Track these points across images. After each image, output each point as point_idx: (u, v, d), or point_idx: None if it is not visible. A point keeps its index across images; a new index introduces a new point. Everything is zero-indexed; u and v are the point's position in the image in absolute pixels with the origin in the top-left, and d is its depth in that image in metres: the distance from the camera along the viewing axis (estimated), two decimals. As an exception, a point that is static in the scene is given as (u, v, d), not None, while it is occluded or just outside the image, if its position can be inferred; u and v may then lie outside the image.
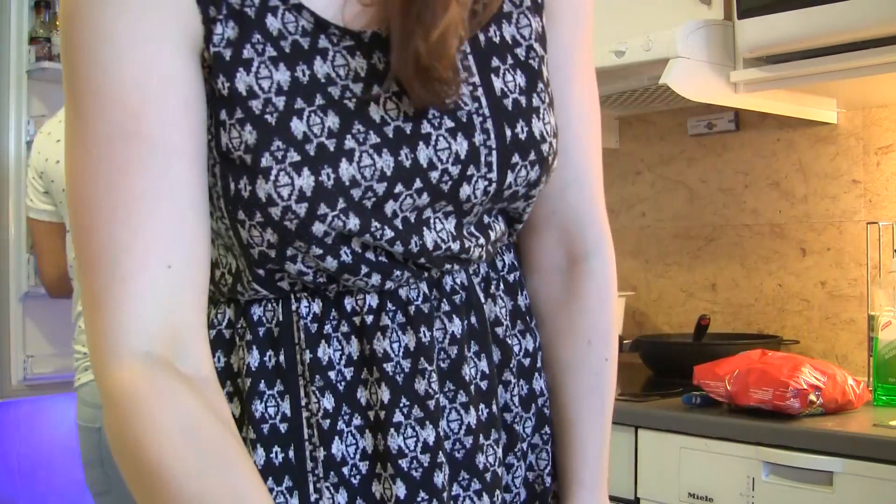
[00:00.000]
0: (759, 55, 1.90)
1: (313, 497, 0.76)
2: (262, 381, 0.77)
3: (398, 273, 0.77)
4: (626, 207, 2.67)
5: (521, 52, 0.79)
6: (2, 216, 2.76)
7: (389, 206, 0.73)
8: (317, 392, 0.76)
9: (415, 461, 0.76)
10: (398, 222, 0.74)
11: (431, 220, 0.76)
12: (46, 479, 2.98)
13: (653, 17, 2.10)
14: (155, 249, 0.67)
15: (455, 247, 0.78)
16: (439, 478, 0.77)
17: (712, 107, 2.30)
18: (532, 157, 0.78)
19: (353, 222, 0.72)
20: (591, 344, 0.94)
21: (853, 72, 1.79)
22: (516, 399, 0.85)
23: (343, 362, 0.77)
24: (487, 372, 0.82)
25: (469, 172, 0.75)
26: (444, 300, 0.80)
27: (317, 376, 0.76)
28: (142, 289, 0.67)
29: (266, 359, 0.78)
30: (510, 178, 0.77)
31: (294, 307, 0.77)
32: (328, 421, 0.76)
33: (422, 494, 0.76)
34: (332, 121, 0.71)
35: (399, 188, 0.73)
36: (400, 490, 0.76)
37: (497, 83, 0.77)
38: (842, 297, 2.19)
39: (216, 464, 0.66)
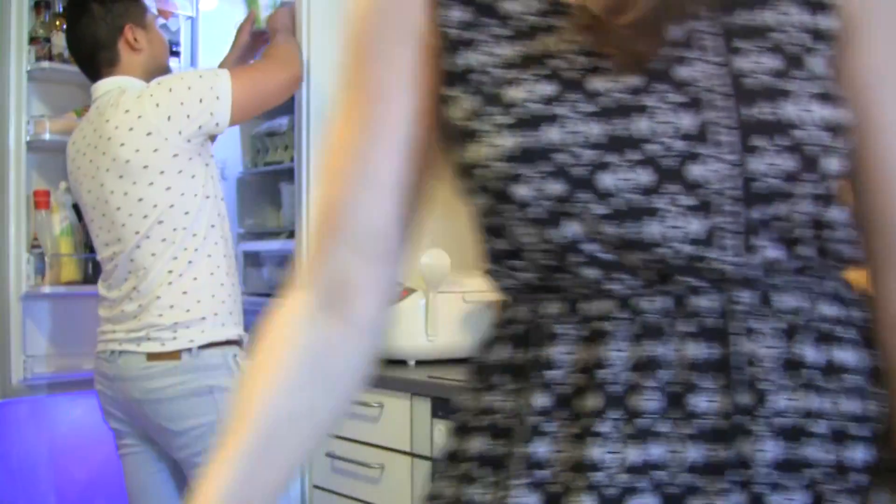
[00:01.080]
0: (760, 55, 1.89)
1: (508, 493, 0.76)
2: (504, 374, 0.84)
3: (624, 276, 0.74)
4: (626, 207, 2.67)
5: (779, 37, 0.74)
6: (2, 216, 2.76)
7: (605, 179, 0.72)
8: (537, 391, 0.77)
9: (612, 479, 0.72)
10: (617, 201, 0.72)
11: (662, 210, 0.72)
12: (46, 479, 2.98)
13: (653, 17, 2.10)
14: (352, 214, 0.87)
15: (691, 250, 0.71)
16: (634, 503, 0.72)
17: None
18: (780, 141, 0.71)
19: (556, 187, 0.72)
20: None
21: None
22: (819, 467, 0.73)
23: (567, 366, 0.77)
24: (730, 412, 0.72)
25: (697, 150, 0.71)
26: (685, 319, 0.74)
27: (543, 374, 0.78)
28: (336, 242, 0.87)
29: (510, 355, 0.84)
30: (754, 163, 0.71)
31: (536, 308, 0.81)
32: (539, 419, 0.77)
33: None
34: (548, 89, 0.74)
35: (610, 158, 0.72)
36: None
37: (742, 63, 0.73)
38: (842, 297, 2.19)
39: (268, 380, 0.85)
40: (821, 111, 0.73)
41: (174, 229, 2.22)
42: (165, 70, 2.43)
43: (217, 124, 2.27)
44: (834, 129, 0.73)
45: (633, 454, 0.72)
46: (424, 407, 2.25)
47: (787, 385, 0.73)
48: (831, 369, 0.75)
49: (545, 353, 0.78)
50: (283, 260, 2.99)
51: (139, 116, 2.20)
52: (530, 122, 0.73)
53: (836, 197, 0.75)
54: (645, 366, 0.74)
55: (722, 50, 0.74)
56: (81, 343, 2.80)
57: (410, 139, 0.85)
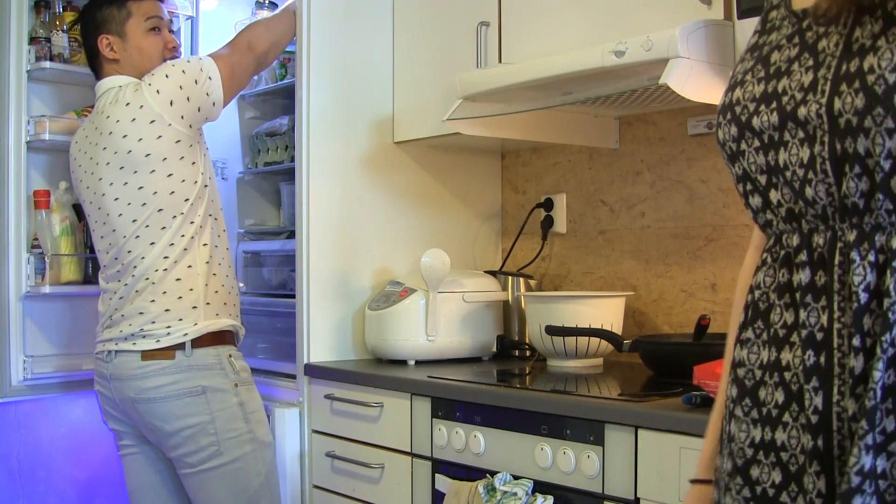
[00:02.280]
0: (760, 55, 1.90)
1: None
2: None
3: (774, 206, 1.05)
4: (626, 207, 2.67)
5: (891, 5, 0.95)
6: (2, 216, 2.76)
7: (756, 122, 1.04)
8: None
9: (749, 373, 1.06)
10: (764, 137, 1.03)
11: (789, 144, 1.00)
12: (46, 479, 2.98)
13: (653, 17, 2.10)
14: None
15: (802, 174, 0.99)
16: (763, 394, 1.04)
17: (712, 107, 2.29)
18: (856, 85, 0.93)
19: (734, 131, 1.07)
20: None
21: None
22: (878, 386, 0.93)
23: (763, 287, 1.07)
24: (826, 326, 0.97)
25: (807, 98, 0.98)
26: (806, 252, 1.01)
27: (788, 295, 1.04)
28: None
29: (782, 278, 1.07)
30: (838, 103, 0.95)
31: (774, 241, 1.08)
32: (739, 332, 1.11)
33: (746, 401, 1.07)
34: (749, 63, 1.10)
35: (761, 108, 1.04)
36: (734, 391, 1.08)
37: (856, 31, 0.97)
38: (842, 297, 2.19)
39: None
40: None
41: (173, 216, 2.27)
42: None
43: (213, 104, 2.34)
44: None
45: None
46: (424, 407, 2.25)
47: (875, 311, 0.94)
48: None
49: (774, 278, 1.06)
50: (283, 260, 2.99)
51: (141, 106, 2.26)
52: (733, 86, 1.10)
53: None
54: (782, 287, 1.03)
55: (851, 25, 0.98)
56: (81, 343, 2.80)
57: None
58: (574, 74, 2.11)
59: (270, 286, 3.06)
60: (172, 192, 2.27)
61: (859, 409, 0.92)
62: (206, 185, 2.34)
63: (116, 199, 2.28)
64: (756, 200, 1.07)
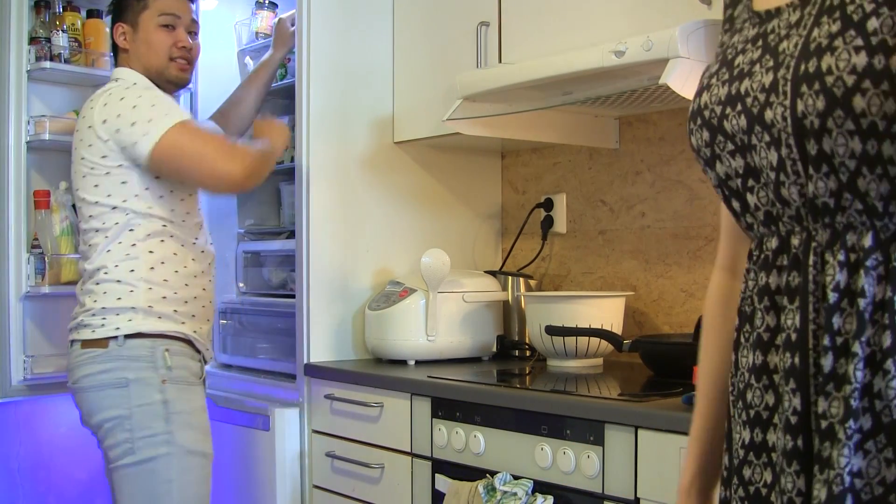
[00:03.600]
0: (760, 55, 1.90)
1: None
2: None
3: (752, 210, 1.05)
4: (626, 207, 2.67)
5: (850, 8, 0.95)
6: (2, 216, 2.76)
7: (727, 125, 1.04)
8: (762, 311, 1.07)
9: (742, 376, 1.07)
10: (737, 140, 1.03)
11: (758, 147, 1.01)
12: (46, 479, 2.98)
13: (653, 17, 2.10)
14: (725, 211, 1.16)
15: (774, 176, 0.99)
16: (750, 396, 1.06)
17: (712, 107, 2.30)
18: (816, 87, 0.94)
19: (706, 135, 1.07)
20: None
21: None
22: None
23: (748, 291, 1.08)
24: (800, 327, 0.98)
25: (770, 99, 0.99)
26: (785, 255, 1.02)
27: (764, 298, 1.05)
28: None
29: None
30: (800, 105, 0.95)
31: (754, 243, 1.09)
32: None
33: (739, 404, 1.08)
34: (714, 67, 1.10)
35: (727, 111, 1.04)
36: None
37: (815, 32, 0.97)
38: (842, 297, 2.19)
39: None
40: (860, 60, 0.92)
41: (116, 223, 2.25)
42: (162, 73, 2.38)
43: (136, 158, 2.23)
44: (863, 73, 0.92)
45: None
46: (424, 407, 2.25)
47: (845, 310, 0.95)
48: (883, 304, 0.94)
49: (757, 281, 1.07)
50: (284, 260, 2.99)
51: (91, 108, 2.28)
52: (700, 91, 1.10)
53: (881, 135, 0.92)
54: (762, 291, 1.04)
55: (811, 24, 0.98)
56: (81, 343, 2.80)
57: None
58: (574, 74, 2.11)
59: (270, 286, 3.06)
60: (97, 203, 2.26)
61: (844, 410, 0.93)
62: (150, 208, 2.26)
63: (77, 189, 2.32)
64: (736, 204, 1.07)
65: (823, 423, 0.94)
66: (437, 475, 2.19)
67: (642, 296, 2.61)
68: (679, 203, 2.53)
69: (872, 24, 0.92)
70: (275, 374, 2.85)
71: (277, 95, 3.14)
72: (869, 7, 0.93)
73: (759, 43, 1.04)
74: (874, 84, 0.90)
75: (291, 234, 2.89)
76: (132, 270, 2.25)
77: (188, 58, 2.43)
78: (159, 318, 2.26)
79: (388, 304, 2.60)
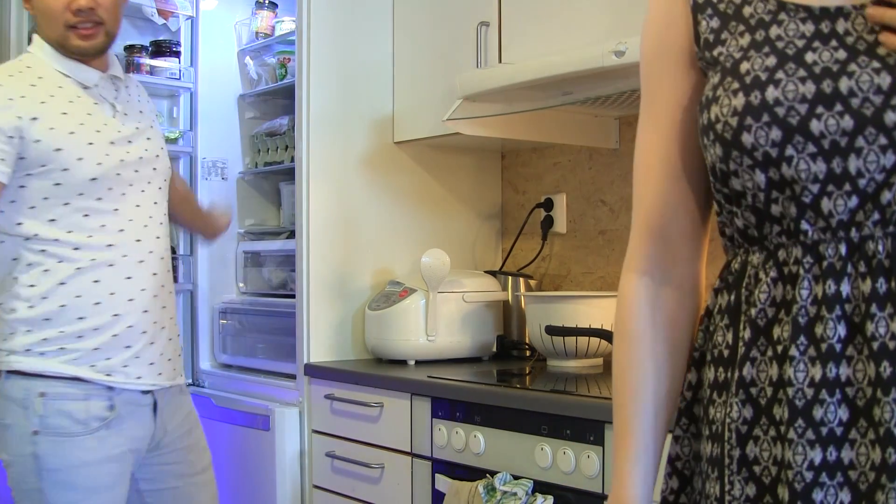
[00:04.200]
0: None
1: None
2: (725, 316, 1.06)
3: (812, 216, 0.97)
4: (626, 207, 2.67)
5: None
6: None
7: (814, 125, 0.95)
8: (746, 325, 1.01)
9: (799, 392, 0.96)
10: (825, 143, 0.95)
11: (864, 150, 0.94)
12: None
13: (653, 17, 2.10)
14: (644, 208, 1.13)
15: (882, 179, 0.93)
16: (821, 412, 0.95)
17: (712, 107, 2.30)
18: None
19: (776, 134, 0.96)
20: None
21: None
22: None
23: (768, 303, 1.00)
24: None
25: (893, 102, 0.92)
26: (862, 262, 0.95)
27: (750, 313, 1.01)
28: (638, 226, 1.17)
29: (726, 300, 1.06)
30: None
31: (746, 257, 1.04)
32: (746, 350, 1.01)
33: (799, 422, 0.96)
34: (771, 61, 0.98)
35: (820, 109, 0.94)
36: (784, 412, 0.97)
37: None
38: (842, 297, 2.19)
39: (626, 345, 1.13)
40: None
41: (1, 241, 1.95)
42: (64, 45, 1.93)
43: None
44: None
45: (816, 371, 0.96)
46: (424, 407, 2.25)
47: None
48: None
49: (753, 295, 1.01)
50: (284, 260, 2.99)
51: None
52: (755, 86, 0.98)
53: None
54: (824, 300, 0.96)
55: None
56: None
57: (690, 135, 1.09)
58: (574, 74, 2.11)
59: (270, 286, 3.06)
60: None
61: None
62: (26, 240, 1.91)
63: None
64: (793, 210, 0.98)
65: None
66: (437, 475, 2.20)
67: (642, 296, 2.61)
68: (679, 203, 2.53)
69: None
70: (275, 374, 2.85)
71: (278, 95, 3.15)
72: None
73: (834, 43, 0.97)
74: None
75: (291, 234, 2.90)
76: (11, 286, 1.92)
77: (93, 19, 1.93)
78: (42, 354, 1.90)
79: (388, 304, 2.60)
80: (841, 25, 0.98)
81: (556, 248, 2.88)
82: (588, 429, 1.87)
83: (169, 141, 3.08)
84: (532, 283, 2.83)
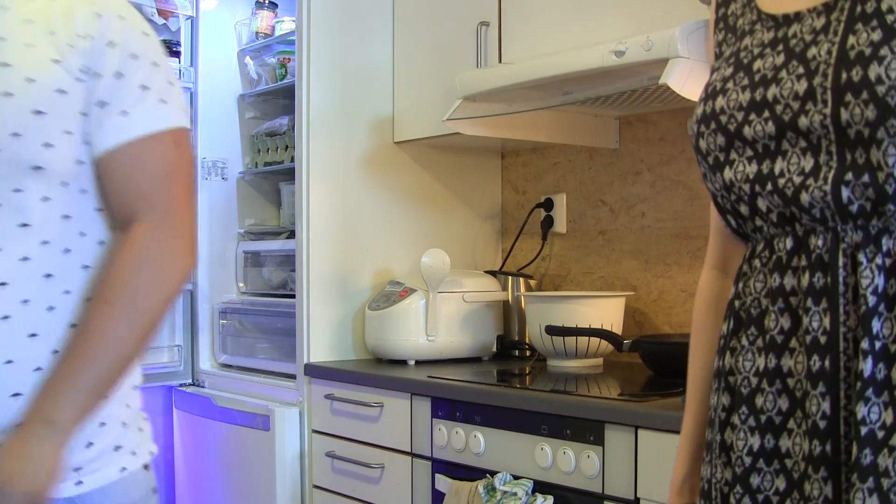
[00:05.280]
0: (760, 55, 1.90)
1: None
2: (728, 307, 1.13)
3: (761, 213, 1.03)
4: (626, 207, 2.67)
5: (889, 17, 0.94)
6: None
7: (747, 131, 1.03)
8: (729, 316, 1.09)
9: (745, 380, 1.04)
10: (759, 146, 1.02)
11: (789, 153, 1.00)
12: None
13: (653, 17, 2.10)
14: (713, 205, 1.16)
15: (800, 181, 0.98)
16: (762, 400, 1.02)
17: (712, 107, 2.30)
18: (864, 96, 0.92)
19: (721, 140, 1.06)
20: None
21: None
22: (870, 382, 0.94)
23: (740, 294, 1.08)
24: (830, 329, 0.96)
25: (807, 107, 0.97)
26: (804, 256, 1.00)
27: (734, 304, 1.09)
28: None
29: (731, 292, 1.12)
30: (844, 114, 0.94)
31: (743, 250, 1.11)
32: (726, 340, 1.10)
33: (743, 409, 1.04)
34: (728, 72, 1.07)
35: (752, 116, 1.02)
36: (729, 399, 1.07)
37: (851, 40, 0.95)
38: (842, 297, 2.19)
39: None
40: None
41: None
42: None
43: None
44: None
45: (760, 362, 1.03)
46: (424, 407, 2.25)
47: (883, 314, 0.94)
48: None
49: (748, 285, 1.07)
50: (284, 260, 2.99)
51: None
52: (712, 95, 1.08)
53: None
54: (769, 294, 1.03)
55: (843, 31, 0.97)
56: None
57: None
58: (574, 74, 2.11)
59: (270, 286, 3.06)
60: None
61: (893, 416, 0.91)
62: None
63: None
64: (744, 208, 1.06)
65: (863, 429, 0.92)
66: (437, 475, 2.20)
67: (642, 296, 2.61)
68: (679, 203, 2.53)
69: None
70: (275, 374, 2.85)
71: (278, 95, 3.15)
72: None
73: (780, 48, 1.02)
74: None
75: (291, 234, 2.90)
76: None
77: None
78: None
79: (388, 304, 2.60)
80: (793, 29, 1.03)
81: (555, 248, 2.88)
82: (588, 429, 1.87)
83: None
84: (532, 283, 2.83)
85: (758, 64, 1.04)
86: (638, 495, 1.79)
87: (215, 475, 2.88)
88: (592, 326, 2.37)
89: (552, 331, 2.37)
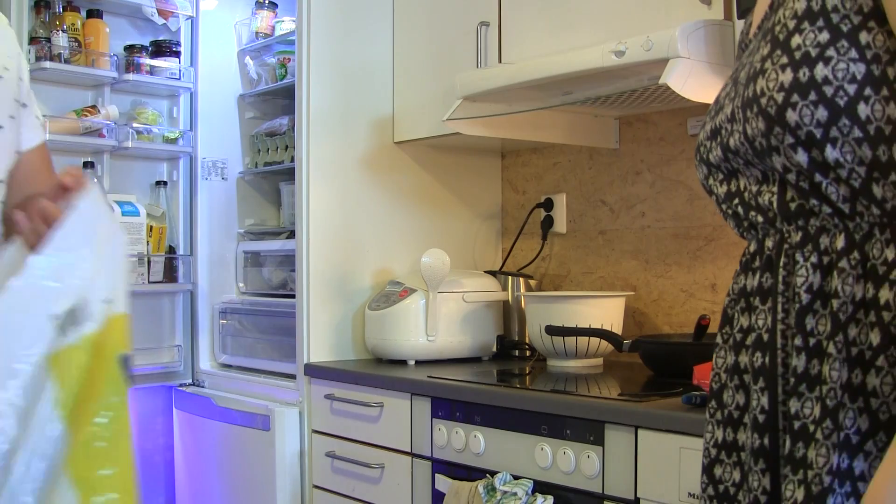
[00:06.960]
0: (760, 55, 1.90)
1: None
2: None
3: (740, 223, 1.09)
4: (626, 207, 2.67)
5: (777, 29, 0.98)
6: (2, 216, 2.75)
7: (712, 157, 1.15)
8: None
9: (716, 376, 1.10)
10: (722, 168, 1.12)
11: (741, 170, 1.07)
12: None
13: (653, 17, 2.10)
14: None
15: (756, 189, 1.04)
16: (727, 395, 1.07)
17: (712, 107, 2.30)
18: (755, 109, 0.98)
19: (704, 169, 1.15)
20: None
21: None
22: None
23: (732, 293, 1.11)
24: (770, 327, 1.00)
25: (733, 128, 1.04)
26: (758, 257, 1.05)
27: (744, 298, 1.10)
28: None
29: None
30: (749, 129, 1.00)
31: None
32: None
33: (713, 403, 1.10)
34: (728, 84, 1.11)
35: (712, 144, 1.13)
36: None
37: (755, 58, 1.01)
38: (842, 297, 2.19)
39: None
40: (786, 78, 0.95)
41: None
42: None
43: None
44: (793, 89, 0.95)
45: (728, 359, 1.08)
46: (424, 407, 2.25)
47: (818, 311, 0.95)
48: (864, 302, 0.93)
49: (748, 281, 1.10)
50: (284, 260, 2.99)
51: None
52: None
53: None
54: (740, 293, 1.07)
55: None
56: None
57: None
58: (574, 74, 2.11)
59: (270, 286, 3.06)
60: None
61: (821, 410, 0.93)
62: None
63: None
64: (730, 221, 1.14)
65: (796, 424, 0.95)
66: (437, 475, 2.20)
67: (642, 296, 2.61)
68: (679, 203, 2.53)
69: (796, 40, 0.95)
70: (275, 374, 2.85)
71: (278, 95, 3.15)
72: (791, 24, 0.96)
73: (731, 75, 1.10)
74: (802, 96, 0.93)
75: (291, 234, 2.89)
76: None
77: None
78: None
79: (388, 304, 2.60)
80: (743, 57, 1.10)
81: (555, 248, 2.88)
82: (588, 429, 1.87)
83: (169, 141, 3.08)
84: (532, 283, 2.83)
85: (720, 94, 1.12)
86: (638, 495, 1.79)
87: (215, 475, 2.88)
88: (592, 326, 2.36)
89: (552, 331, 2.37)
